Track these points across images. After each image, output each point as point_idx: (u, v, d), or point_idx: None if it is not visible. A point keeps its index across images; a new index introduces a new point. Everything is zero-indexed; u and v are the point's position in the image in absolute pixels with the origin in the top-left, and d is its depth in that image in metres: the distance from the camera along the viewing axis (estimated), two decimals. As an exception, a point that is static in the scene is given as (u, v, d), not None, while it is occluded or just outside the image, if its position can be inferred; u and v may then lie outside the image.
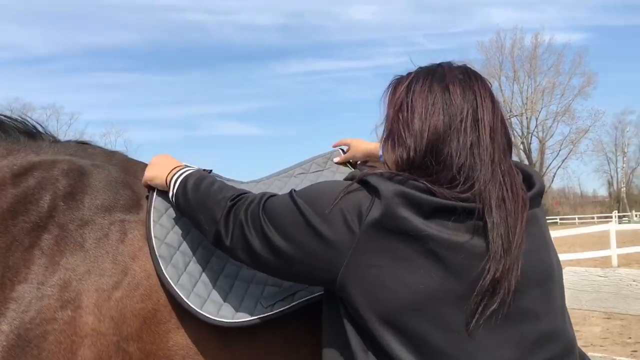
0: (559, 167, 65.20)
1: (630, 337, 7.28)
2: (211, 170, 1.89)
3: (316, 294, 1.54)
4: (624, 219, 47.41)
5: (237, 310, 1.52)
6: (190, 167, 1.67)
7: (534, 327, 1.20)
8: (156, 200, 1.65)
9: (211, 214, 1.43)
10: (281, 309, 1.52)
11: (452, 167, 1.22)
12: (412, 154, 1.25)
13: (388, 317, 1.17)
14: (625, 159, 75.14)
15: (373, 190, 1.21)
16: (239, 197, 1.42)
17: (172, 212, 1.66)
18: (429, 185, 1.19)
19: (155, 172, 1.67)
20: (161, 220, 1.63)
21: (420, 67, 1.37)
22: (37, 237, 1.47)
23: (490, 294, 1.15)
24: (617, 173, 76.29)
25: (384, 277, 1.17)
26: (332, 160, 2.23)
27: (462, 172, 1.21)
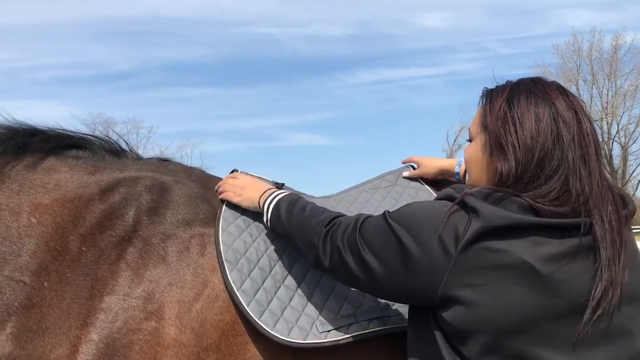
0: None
1: None
2: (284, 184, 1.94)
3: (369, 330, 1.57)
4: None
5: (292, 327, 1.54)
6: (278, 190, 1.74)
7: (629, 344, 1.20)
8: (226, 211, 1.73)
9: (309, 240, 1.49)
10: (333, 340, 1.54)
11: (561, 179, 1.21)
12: (519, 168, 1.24)
13: (485, 336, 1.17)
14: None
15: (471, 211, 1.20)
16: (332, 221, 1.47)
17: (240, 222, 1.73)
18: (531, 202, 1.19)
19: (247, 194, 1.76)
20: (229, 228, 1.69)
21: (511, 81, 1.37)
22: (123, 250, 1.55)
23: (595, 308, 1.15)
24: None
25: (482, 296, 1.17)
26: (402, 177, 2.22)
27: (569, 186, 1.21)
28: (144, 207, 1.65)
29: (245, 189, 1.78)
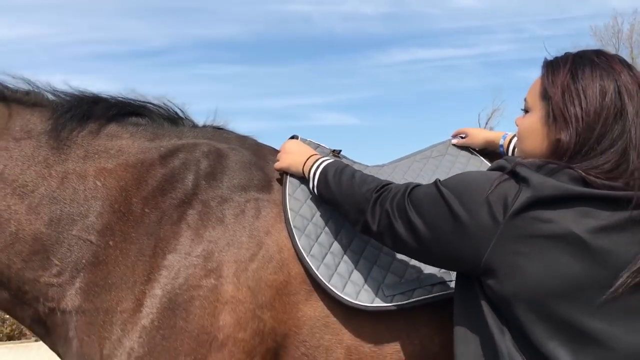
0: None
1: None
2: (340, 151, 2.00)
3: (434, 294, 1.61)
4: None
5: (360, 290, 1.60)
6: (325, 157, 1.78)
7: None
8: (291, 177, 1.78)
9: (358, 206, 1.53)
10: (400, 303, 1.60)
11: (619, 152, 1.21)
12: (579, 140, 1.24)
13: (532, 302, 1.20)
14: None
15: (522, 180, 1.23)
16: (383, 188, 1.50)
17: (305, 186, 1.77)
18: (584, 174, 1.20)
19: (291, 161, 1.81)
20: (295, 194, 1.75)
21: (572, 53, 1.36)
22: (184, 212, 1.64)
23: (636, 273, 1.16)
24: None
25: (529, 264, 1.20)
26: (452, 146, 2.26)
27: (628, 158, 1.21)
28: (203, 172, 1.72)
29: (290, 155, 1.83)
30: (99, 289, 1.53)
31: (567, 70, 1.30)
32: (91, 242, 1.57)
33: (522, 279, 1.20)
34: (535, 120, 1.36)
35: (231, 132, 1.99)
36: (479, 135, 2.23)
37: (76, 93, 1.79)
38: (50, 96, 1.77)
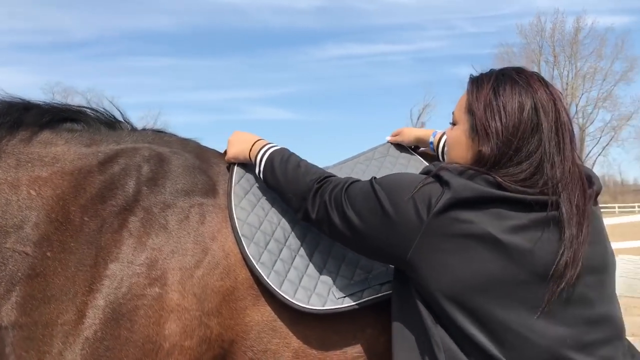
0: (599, 155, 63.47)
1: (674, 329, 7.17)
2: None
3: (382, 293, 1.67)
4: (666, 208, 46.13)
5: (311, 295, 1.63)
6: (271, 143, 1.84)
7: (588, 311, 1.31)
8: (235, 187, 1.79)
9: (301, 194, 1.63)
10: (351, 304, 1.64)
11: (534, 164, 1.33)
12: (497, 151, 1.35)
13: (453, 296, 1.30)
14: (669, 146, 72.82)
15: (444, 183, 1.34)
16: (325, 179, 1.62)
17: (251, 196, 1.80)
18: (500, 179, 1.31)
19: (237, 150, 1.86)
20: (242, 203, 1.76)
21: (496, 70, 1.48)
22: (125, 219, 1.59)
23: (559, 278, 1.27)
24: (660, 161, 74.07)
25: (449, 261, 1.30)
26: (393, 148, 2.36)
27: (542, 168, 1.32)
28: (144, 177, 1.69)
29: (236, 144, 1.88)
30: (37, 302, 1.47)
31: (490, 87, 1.41)
32: (27, 254, 1.51)
33: (443, 275, 1.31)
34: (461, 133, 1.48)
35: (172, 135, 1.96)
36: (411, 133, 2.36)
37: (6, 99, 1.71)
38: None
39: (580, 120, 62.44)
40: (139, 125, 1.95)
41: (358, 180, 1.56)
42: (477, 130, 1.41)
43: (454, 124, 1.53)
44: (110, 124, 1.84)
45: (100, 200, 1.61)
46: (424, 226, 1.32)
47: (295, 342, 1.63)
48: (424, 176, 1.41)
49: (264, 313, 1.61)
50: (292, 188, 1.67)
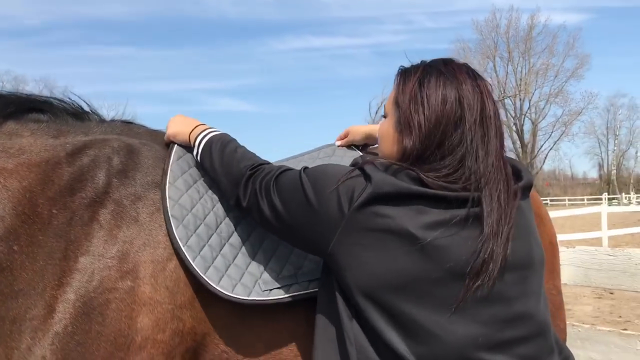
0: (550, 149, 65.66)
1: (620, 316, 7.48)
2: None
3: (310, 290, 1.64)
4: (613, 201, 47.99)
5: (236, 284, 1.60)
6: (213, 128, 1.81)
7: (504, 309, 1.28)
8: (173, 164, 1.75)
9: (234, 180, 1.60)
10: (276, 297, 1.61)
11: (457, 158, 1.31)
12: (419, 144, 1.33)
13: (368, 291, 1.28)
14: (616, 141, 75.78)
15: (367, 178, 1.32)
16: (257, 167, 1.58)
17: (187, 176, 1.75)
18: (422, 175, 1.29)
19: (178, 129, 1.83)
20: (177, 182, 1.71)
21: (426, 62, 1.45)
22: (95, 212, 1.56)
23: (476, 276, 1.25)
24: (607, 155, 77.08)
25: (366, 256, 1.29)
26: (339, 148, 2.31)
27: (465, 163, 1.31)
28: (114, 169, 1.65)
29: (177, 124, 1.85)
30: (3, 297, 1.43)
31: (416, 79, 1.39)
32: None
33: (360, 269, 1.29)
34: (389, 125, 1.46)
35: (142, 126, 1.93)
36: (359, 131, 2.32)
37: None
38: None
39: (533, 115, 64.26)
40: (107, 116, 1.91)
41: (290, 169, 1.52)
42: (402, 123, 1.39)
43: (385, 117, 1.52)
44: (77, 114, 1.80)
45: (69, 192, 1.57)
46: (345, 219, 1.30)
47: (266, 334, 1.64)
48: (351, 168, 1.38)
49: (233, 305, 1.61)
50: (226, 173, 1.64)
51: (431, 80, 1.37)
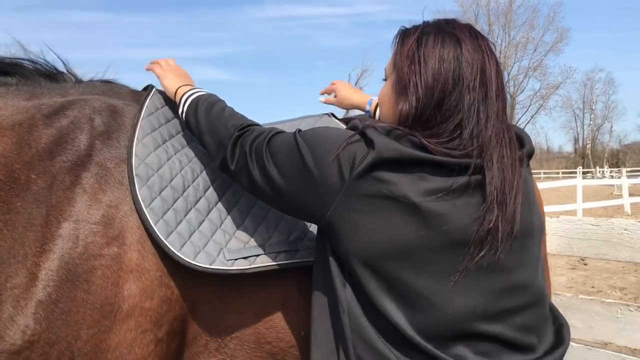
0: (528, 122, 66.26)
1: (593, 287, 7.68)
2: None
3: (276, 262, 1.61)
4: (587, 175, 48.81)
5: (199, 252, 1.53)
6: (200, 88, 1.75)
7: (504, 278, 1.25)
8: (143, 120, 1.67)
9: (220, 140, 1.52)
10: (240, 268, 1.56)
11: (456, 122, 1.25)
12: (419, 106, 1.27)
13: (366, 258, 1.24)
14: (592, 116, 76.75)
15: (369, 143, 1.26)
16: (247, 128, 1.51)
17: (157, 135, 1.67)
18: (425, 141, 1.24)
19: (169, 75, 1.80)
20: (145, 139, 1.63)
21: (427, 22, 1.38)
22: (78, 175, 1.50)
23: (480, 245, 1.21)
24: (583, 130, 78.14)
25: (366, 222, 1.24)
26: (324, 119, 2.20)
27: (466, 127, 1.25)
28: (96, 130, 1.58)
29: (172, 72, 1.80)
30: None
31: (415, 38, 1.33)
32: None
33: (358, 236, 1.25)
34: (389, 87, 1.40)
35: (123, 86, 1.84)
36: (347, 99, 2.26)
37: None
38: None
39: (512, 88, 64.55)
40: (85, 77, 1.83)
41: (283, 132, 1.45)
42: (399, 85, 1.33)
43: (385, 80, 1.45)
44: (51, 75, 1.71)
45: (49, 156, 1.49)
46: (345, 185, 1.25)
47: (256, 301, 1.62)
48: (350, 132, 1.32)
49: (223, 278, 1.57)
50: (212, 132, 1.56)
51: (429, 39, 1.30)
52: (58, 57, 1.75)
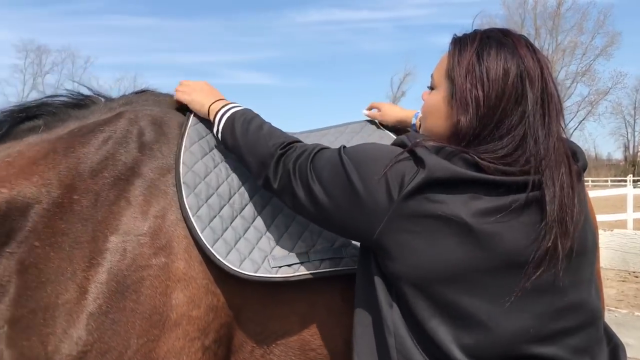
0: (575, 129, 64.40)
1: (645, 300, 7.39)
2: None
3: (320, 270, 1.60)
4: (638, 183, 47.19)
5: (244, 259, 1.54)
6: (235, 103, 1.71)
7: (558, 299, 1.21)
8: (190, 129, 1.68)
9: (261, 159, 1.50)
10: (285, 275, 1.56)
11: (516, 138, 1.21)
12: (477, 122, 1.23)
13: (416, 280, 1.21)
14: (643, 122, 74.09)
15: (419, 162, 1.22)
16: (289, 145, 1.48)
17: (204, 142, 1.69)
18: (478, 159, 1.20)
19: (196, 96, 1.74)
20: (192, 147, 1.64)
21: (480, 31, 1.33)
22: (122, 189, 1.52)
23: (537, 266, 1.17)
24: (634, 137, 75.51)
25: (416, 243, 1.20)
26: (367, 126, 2.24)
27: (525, 143, 1.21)
28: (137, 143, 1.61)
29: (197, 91, 1.76)
30: (31, 292, 1.41)
31: (474, 50, 1.28)
32: (11, 253, 1.44)
33: (408, 258, 1.21)
34: (439, 99, 1.34)
35: (161, 94, 1.86)
36: (392, 113, 2.22)
37: None
38: None
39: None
40: (119, 91, 1.84)
41: (326, 148, 1.42)
42: (457, 99, 1.27)
43: (432, 88, 1.40)
44: (78, 104, 1.74)
45: (90, 174, 1.52)
46: (394, 205, 1.21)
47: (300, 307, 1.61)
48: (397, 149, 1.28)
49: (270, 286, 1.57)
50: (252, 152, 1.53)
51: (491, 52, 1.26)
52: (80, 84, 1.78)
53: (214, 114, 1.67)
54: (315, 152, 1.40)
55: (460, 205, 1.17)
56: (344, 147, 1.37)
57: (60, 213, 1.47)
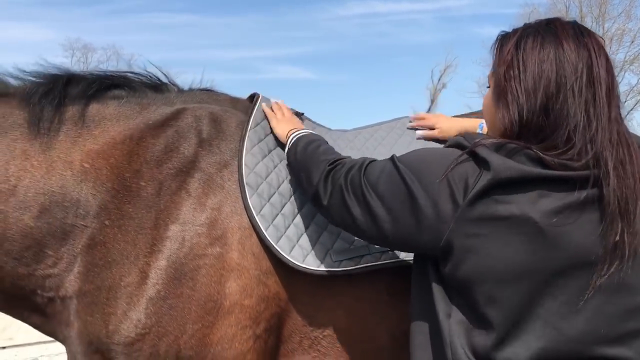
0: (624, 119, 62.20)
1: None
2: (303, 113, 2.02)
3: (381, 262, 1.62)
4: (691, 174, 45.26)
5: (307, 254, 1.61)
6: (307, 130, 1.76)
7: (628, 298, 1.17)
8: (250, 132, 1.75)
9: (311, 175, 1.50)
10: (347, 268, 1.61)
11: (566, 128, 1.16)
12: (524, 114, 1.19)
13: (484, 283, 1.17)
14: (696, 111, 71.24)
15: (482, 163, 1.18)
16: (338, 161, 1.47)
17: (263, 145, 1.76)
18: (541, 154, 1.15)
19: (282, 125, 1.82)
20: (253, 150, 1.71)
21: (528, 23, 1.30)
22: (183, 181, 1.61)
23: (607, 262, 1.13)
24: (686, 126, 72.61)
25: (484, 247, 1.16)
26: (403, 120, 2.19)
27: (577, 133, 1.15)
28: (198, 138, 1.69)
29: (284, 121, 1.83)
30: (98, 269, 1.51)
31: (513, 42, 1.25)
32: (85, 226, 1.54)
33: (479, 261, 1.17)
34: (488, 97, 1.33)
35: (221, 93, 1.95)
36: (452, 127, 2.04)
37: (50, 73, 1.69)
38: (12, 80, 1.67)
39: (606, 83, 60.65)
40: (184, 85, 1.93)
41: (375, 160, 1.39)
42: (497, 94, 1.26)
43: (489, 86, 1.37)
44: (156, 87, 1.83)
45: (156, 164, 1.61)
46: (460, 210, 1.16)
47: (347, 301, 1.65)
48: (455, 151, 1.24)
49: (318, 276, 1.61)
50: (305, 167, 1.54)
51: (528, 41, 1.22)
52: (159, 70, 1.88)
53: (287, 137, 1.74)
54: (366, 164, 1.36)
55: (528, 205, 1.14)
56: (396, 156, 1.33)
57: (128, 197, 1.56)
